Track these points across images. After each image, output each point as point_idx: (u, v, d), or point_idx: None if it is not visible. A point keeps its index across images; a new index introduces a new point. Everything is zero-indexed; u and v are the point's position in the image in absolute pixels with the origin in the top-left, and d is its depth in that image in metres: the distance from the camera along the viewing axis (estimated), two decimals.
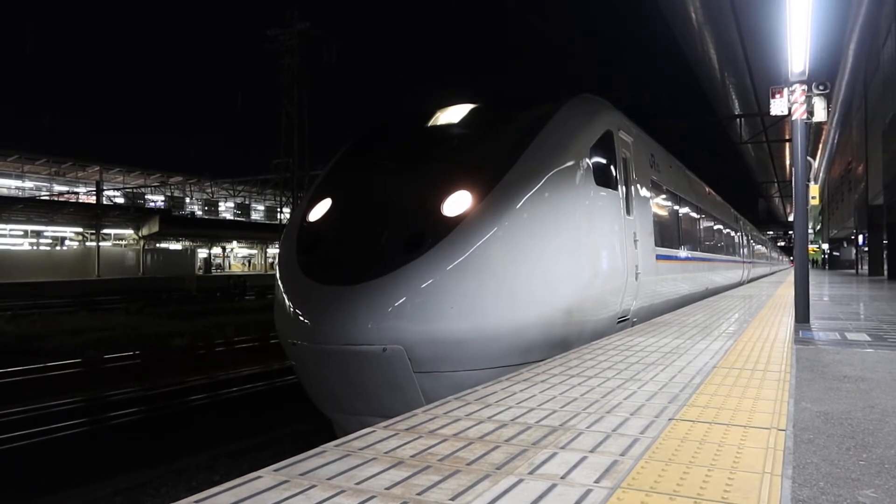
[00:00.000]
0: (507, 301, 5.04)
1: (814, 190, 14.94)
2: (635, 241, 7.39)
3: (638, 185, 7.97)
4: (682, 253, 11.12)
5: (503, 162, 5.54)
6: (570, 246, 5.71)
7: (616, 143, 7.17)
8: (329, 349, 4.81)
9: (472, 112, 6.69)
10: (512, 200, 5.23)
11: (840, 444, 2.66)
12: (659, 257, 8.74)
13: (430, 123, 6.73)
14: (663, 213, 9.76)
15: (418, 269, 4.77)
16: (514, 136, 5.99)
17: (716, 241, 16.25)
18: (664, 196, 9.91)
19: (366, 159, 6.62)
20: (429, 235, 4.94)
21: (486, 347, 4.94)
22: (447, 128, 6.57)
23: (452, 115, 6.72)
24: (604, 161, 6.73)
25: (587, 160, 6.24)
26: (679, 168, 12.26)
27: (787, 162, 38.78)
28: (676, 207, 11.00)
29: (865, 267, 31.10)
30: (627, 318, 7.27)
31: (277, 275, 5.59)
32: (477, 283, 4.89)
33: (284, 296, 5.26)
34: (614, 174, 6.98)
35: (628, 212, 7.30)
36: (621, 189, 7.11)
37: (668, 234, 10.00)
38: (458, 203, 5.17)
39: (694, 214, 13.08)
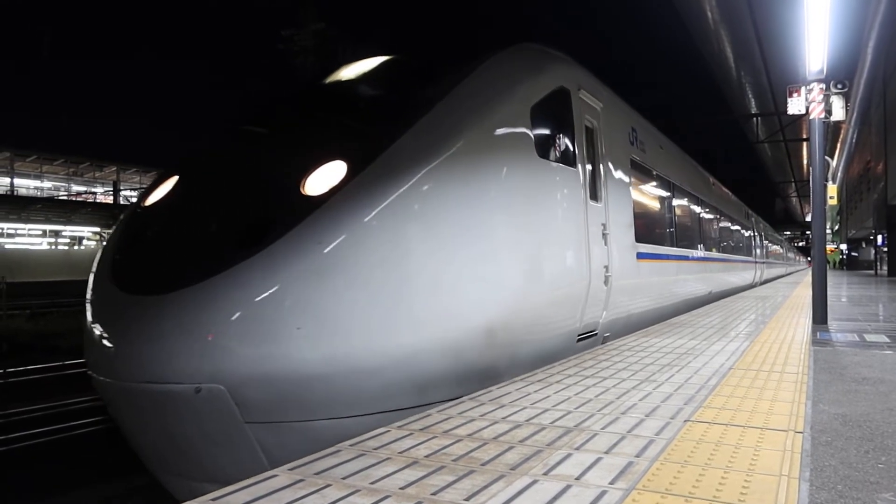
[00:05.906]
0: (389, 317, 3.60)
1: (832, 190, 14.78)
2: (604, 234, 6.04)
3: (610, 164, 6.47)
4: (676, 251, 9.49)
5: (397, 124, 4.10)
6: (492, 238, 4.25)
7: (575, 107, 5.67)
8: (130, 387, 3.47)
9: (377, 68, 5.25)
10: (403, 174, 3.79)
11: (858, 446, 2.63)
12: (641, 256, 7.25)
13: (319, 83, 5.35)
14: (650, 201, 8.29)
15: (251, 270, 3.37)
16: (421, 93, 4.48)
17: (722, 239, 15.07)
18: (652, 182, 8.42)
19: (233, 133, 5.03)
20: (278, 223, 3.55)
21: (357, 385, 3.53)
22: (334, 87, 5.15)
23: (349, 72, 5.29)
24: (554, 127, 5.30)
25: (526, 124, 4.79)
26: (674, 151, 10.65)
27: (805, 161, 38.41)
28: (669, 196, 9.48)
29: (884, 268, 30.70)
30: (595, 334, 5.95)
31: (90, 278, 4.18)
32: (341, 291, 3.46)
33: (87, 308, 3.92)
34: (571, 147, 5.53)
35: (595, 197, 5.95)
36: (583, 166, 5.70)
37: (657, 227, 8.52)
38: (325, 179, 3.76)
39: (693, 207, 11.64)
